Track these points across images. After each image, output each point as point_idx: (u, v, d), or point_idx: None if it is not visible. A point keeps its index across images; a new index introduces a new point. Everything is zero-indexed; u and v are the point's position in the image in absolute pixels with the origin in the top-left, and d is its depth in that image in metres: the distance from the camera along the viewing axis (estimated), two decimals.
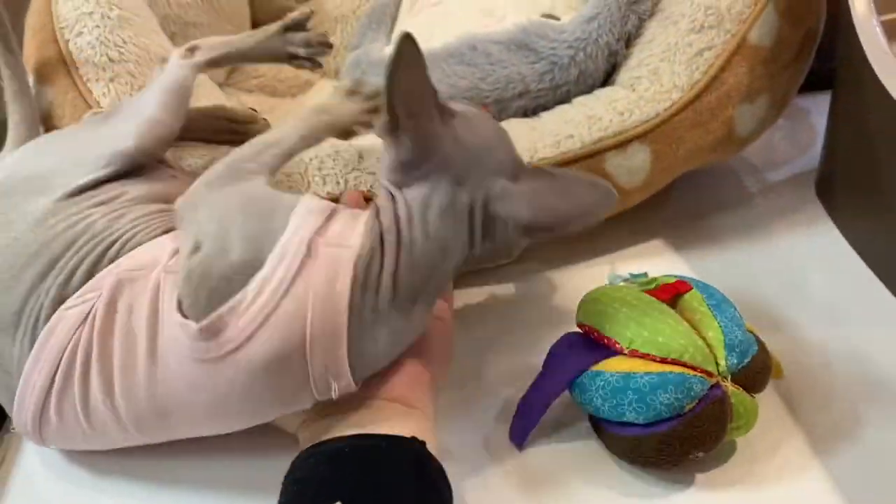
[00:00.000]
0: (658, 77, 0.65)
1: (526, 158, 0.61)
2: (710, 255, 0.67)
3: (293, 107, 0.84)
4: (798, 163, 0.79)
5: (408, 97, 0.43)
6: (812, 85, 0.71)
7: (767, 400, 0.51)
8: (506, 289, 0.65)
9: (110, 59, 0.64)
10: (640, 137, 0.63)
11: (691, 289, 0.51)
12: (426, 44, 0.75)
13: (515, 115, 0.69)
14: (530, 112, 0.70)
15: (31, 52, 0.67)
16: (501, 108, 0.69)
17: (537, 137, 0.63)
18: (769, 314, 0.60)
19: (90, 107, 0.63)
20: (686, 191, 0.72)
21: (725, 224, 0.71)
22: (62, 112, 0.64)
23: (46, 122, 0.65)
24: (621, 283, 0.56)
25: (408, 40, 0.41)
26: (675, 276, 0.53)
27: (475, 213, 0.45)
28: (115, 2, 0.67)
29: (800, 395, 0.53)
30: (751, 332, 0.50)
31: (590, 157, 0.63)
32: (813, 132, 0.83)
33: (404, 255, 0.43)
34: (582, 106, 0.66)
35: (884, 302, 0.61)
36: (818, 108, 0.84)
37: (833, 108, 0.71)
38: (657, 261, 0.67)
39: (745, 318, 0.50)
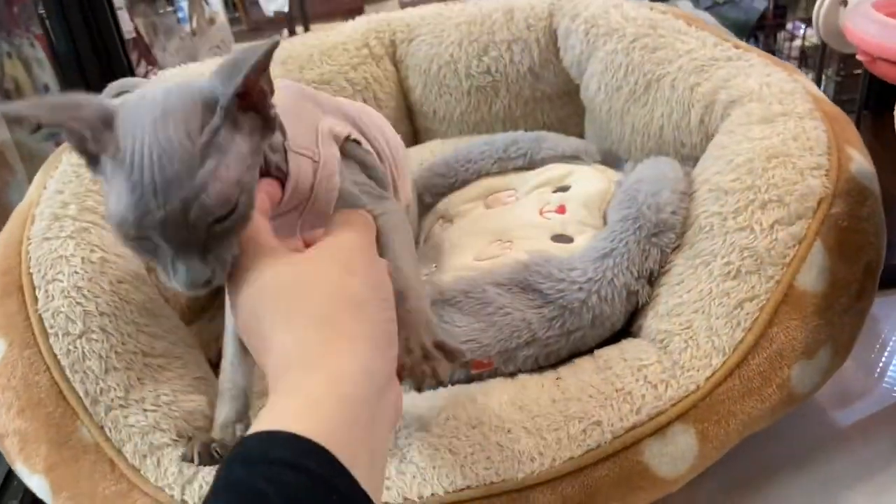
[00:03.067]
0: (693, 335, 0.56)
1: (547, 463, 0.52)
2: None
3: None
4: (874, 395, 0.67)
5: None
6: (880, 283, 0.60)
7: None
8: None
9: (85, 312, 0.57)
10: (681, 417, 0.53)
11: None
12: (432, 276, 0.70)
13: (525, 365, 0.60)
14: (542, 360, 0.61)
15: None
16: (507, 359, 0.60)
17: (561, 420, 0.54)
18: None
19: (47, 368, 0.56)
20: (748, 444, 0.61)
21: (793, 486, 0.59)
22: (12, 371, 0.56)
23: None
24: None
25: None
26: None
27: None
28: (97, 242, 0.62)
29: None
30: None
31: (623, 451, 0.52)
32: (888, 348, 0.72)
33: None
34: (607, 370, 0.57)
35: None
36: (892, 311, 0.73)
37: None
38: None
39: None
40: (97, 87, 0.89)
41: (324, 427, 0.33)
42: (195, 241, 0.41)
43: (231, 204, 0.41)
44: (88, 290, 0.58)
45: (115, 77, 1.00)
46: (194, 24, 1.84)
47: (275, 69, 0.87)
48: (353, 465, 0.32)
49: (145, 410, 0.55)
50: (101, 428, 0.54)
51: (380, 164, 0.62)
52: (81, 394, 0.55)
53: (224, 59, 0.44)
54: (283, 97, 0.55)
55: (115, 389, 0.55)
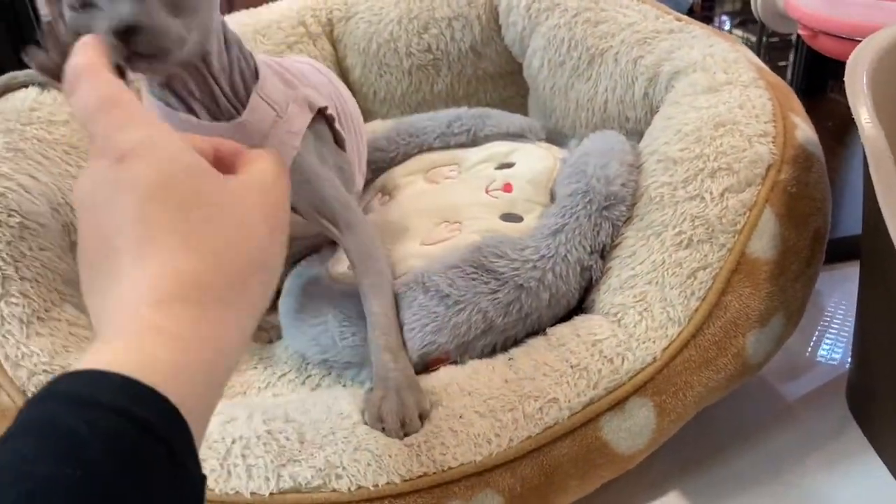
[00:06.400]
0: (648, 306, 0.55)
1: (504, 443, 0.49)
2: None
3: None
4: (820, 369, 0.67)
5: None
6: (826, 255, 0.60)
7: None
8: None
9: (3, 276, 0.53)
10: (639, 390, 0.52)
11: None
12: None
13: (482, 353, 0.58)
14: (499, 347, 0.58)
15: None
16: (464, 351, 0.58)
17: (515, 400, 0.52)
18: None
19: None
20: (698, 423, 0.60)
21: (744, 461, 0.59)
22: None
23: None
24: None
25: None
26: None
27: None
28: (14, 207, 0.58)
29: None
30: None
31: (582, 427, 0.51)
32: (832, 322, 0.72)
33: None
34: (560, 347, 0.55)
35: None
36: (840, 284, 0.74)
37: (862, 298, 0.60)
38: None
39: None
40: (11, 68, 0.83)
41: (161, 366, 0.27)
42: None
43: None
44: (7, 254, 0.54)
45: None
46: None
47: None
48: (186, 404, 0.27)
49: None
50: (24, 392, 0.50)
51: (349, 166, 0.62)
52: (1, 358, 0.50)
53: None
54: (287, 63, 0.58)
55: (38, 354, 0.51)
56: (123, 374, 0.26)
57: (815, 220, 0.57)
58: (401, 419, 0.50)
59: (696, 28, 0.71)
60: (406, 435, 0.50)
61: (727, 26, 1.74)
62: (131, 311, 0.29)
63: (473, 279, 0.58)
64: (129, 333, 0.28)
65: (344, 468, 0.47)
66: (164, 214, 0.30)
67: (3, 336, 0.51)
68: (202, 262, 0.30)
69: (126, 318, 0.29)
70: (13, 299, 0.53)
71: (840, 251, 0.70)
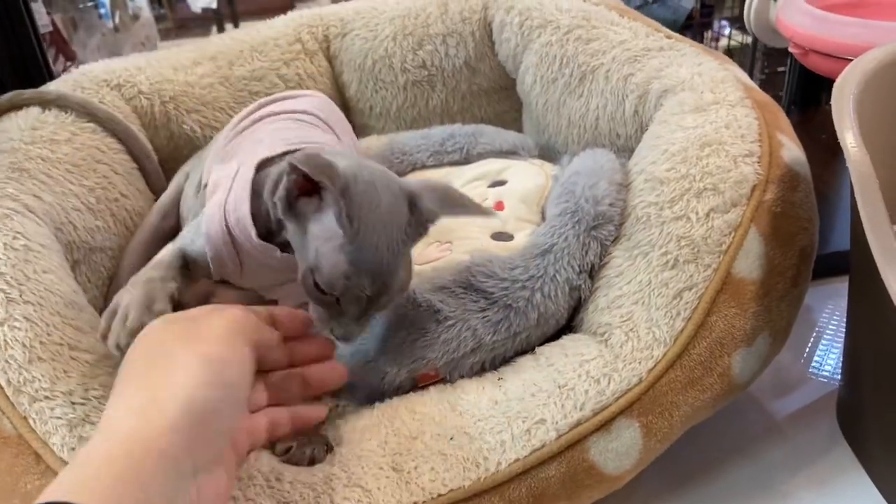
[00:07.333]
0: (634, 327, 0.55)
1: (492, 467, 0.50)
2: None
3: None
4: (810, 385, 0.67)
5: None
6: (813, 272, 0.60)
7: None
8: None
9: (8, 299, 0.53)
10: (625, 411, 0.52)
11: None
12: None
13: (471, 371, 0.59)
14: (488, 365, 0.59)
15: None
16: (453, 368, 0.58)
17: (504, 421, 0.52)
18: None
19: None
20: (688, 439, 0.60)
21: (734, 478, 0.59)
22: None
23: None
24: None
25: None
26: None
27: None
28: (19, 229, 0.58)
29: None
30: None
31: (569, 449, 0.51)
32: (822, 337, 0.72)
33: None
34: (549, 367, 0.56)
35: None
36: (832, 298, 0.74)
37: (851, 315, 0.60)
38: None
39: None
40: (10, 86, 0.84)
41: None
42: (367, 311, 0.49)
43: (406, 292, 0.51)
44: (12, 277, 0.54)
45: (28, 75, 0.95)
46: (117, 20, 1.78)
47: (204, 65, 0.85)
48: None
49: (73, 403, 0.50)
50: (25, 419, 0.50)
51: None
52: (3, 383, 0.50)
53: (436, 184, 0.56)
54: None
55: (39, 380, 0.51)
56: (62, 500, 0.34)
57: (802, 240, 0.57)
58: None
59: (686, 46, 0.71)
60: None
61: (726, 31, 1.74)
62: (88, 446, 0.38)
63: (462, 298, 0.59)
64: (78, 464, 0.37)
65: None
66: (134, 369, 0.42)
67: (6, 361, 0.51)
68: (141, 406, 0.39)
69: (84, 450, 0.38)
70: (16, 323, 0.52)
71: (832, 265, 0.70)
